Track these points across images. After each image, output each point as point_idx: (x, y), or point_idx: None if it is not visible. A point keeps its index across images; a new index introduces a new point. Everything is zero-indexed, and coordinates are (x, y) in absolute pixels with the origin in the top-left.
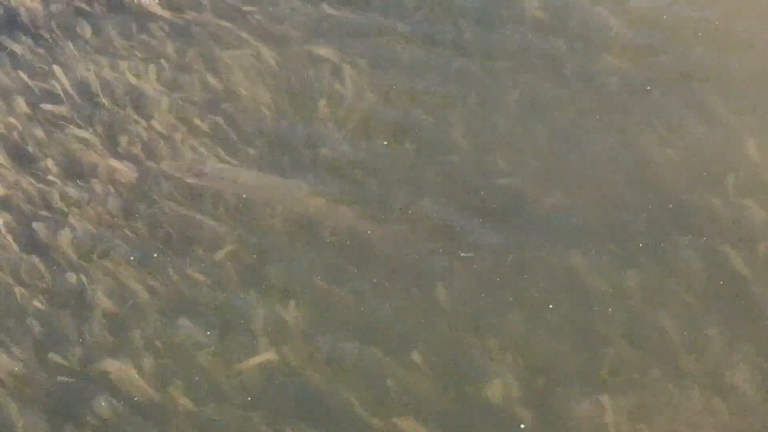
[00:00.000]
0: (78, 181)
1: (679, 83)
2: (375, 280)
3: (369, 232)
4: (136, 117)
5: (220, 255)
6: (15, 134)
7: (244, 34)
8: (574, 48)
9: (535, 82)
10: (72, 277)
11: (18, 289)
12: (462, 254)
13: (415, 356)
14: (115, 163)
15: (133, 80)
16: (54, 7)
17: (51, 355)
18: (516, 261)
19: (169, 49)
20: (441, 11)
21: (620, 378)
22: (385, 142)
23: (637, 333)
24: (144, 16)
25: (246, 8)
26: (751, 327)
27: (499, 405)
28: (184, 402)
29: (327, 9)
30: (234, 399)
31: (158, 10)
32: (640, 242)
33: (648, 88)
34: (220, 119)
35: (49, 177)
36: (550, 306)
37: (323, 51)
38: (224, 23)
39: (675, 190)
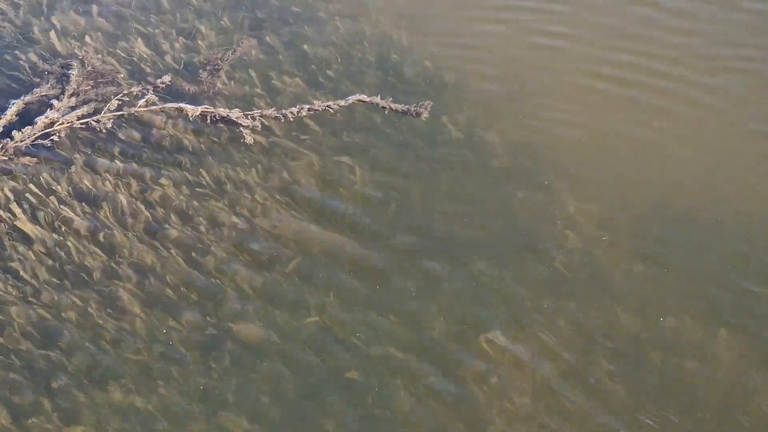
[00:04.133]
0: (215, 229)
1: None
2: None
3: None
4: (245, 194)
5: (291, 267)
6: (183, 205)
7: (303, 150)
8: (480, 159)
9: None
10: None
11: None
12: None
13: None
14: (235, 219)
15: (243, 175)
16: (200, 140)
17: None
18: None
19: (262, 158)
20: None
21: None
22: (375, 207)
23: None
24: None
25: (303, 137)
26: None
27: None
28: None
29: (345, 137)
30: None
31: (255, 138)
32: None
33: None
34: (289, 198)
35: (201, 228)
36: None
37: (344, 159)
38: (291, 143)
39: None
